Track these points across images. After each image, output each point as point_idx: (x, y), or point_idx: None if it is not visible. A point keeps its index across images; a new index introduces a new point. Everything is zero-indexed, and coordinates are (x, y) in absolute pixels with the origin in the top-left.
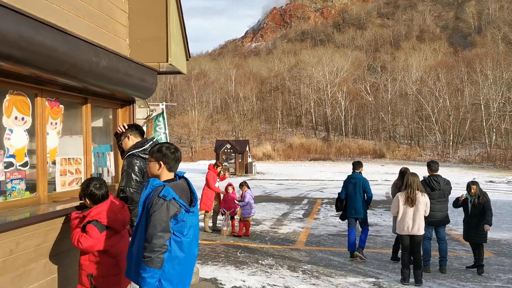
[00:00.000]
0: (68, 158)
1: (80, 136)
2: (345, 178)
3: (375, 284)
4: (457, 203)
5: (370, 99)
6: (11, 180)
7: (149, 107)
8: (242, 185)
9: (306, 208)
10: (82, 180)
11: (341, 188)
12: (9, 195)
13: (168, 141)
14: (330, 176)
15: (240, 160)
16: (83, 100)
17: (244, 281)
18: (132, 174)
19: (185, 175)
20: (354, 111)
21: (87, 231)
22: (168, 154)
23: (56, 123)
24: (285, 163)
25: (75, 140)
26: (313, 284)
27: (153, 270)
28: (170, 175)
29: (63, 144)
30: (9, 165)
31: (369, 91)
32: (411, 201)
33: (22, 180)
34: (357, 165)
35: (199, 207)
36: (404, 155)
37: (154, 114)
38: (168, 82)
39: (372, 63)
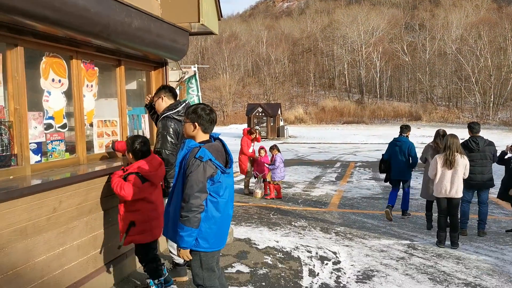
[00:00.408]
0: (104, 120)
1: (115, 99)
2: (379, 141)
3: (409, 247)
4: (502, 158)
5: (407, 60)
6: (51, 141)
7: (181, 70)
8: (273, 148)
9: (339, 171)
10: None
11: (385, 151)
12: (50, 156)
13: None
14: (364, 139)
15: (272, 124)
16: (117, 62)
17: (277, 242)
18: (168, 136)
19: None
20: (389, 72)
21: (129, 180)
22: (203, 115)
23: (91, 86)
24: (317, 126)
25: (110, 102)
26: (346, 246)
27: (190, 229)
28: (205, 137)
29: (99, 107)
30: (48, 126)
31: (406, 51)
32: (449, 163)
33: (61, 142)
34: (405, 128)
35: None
36: (441, 117)
37: (187, 76)
38: (199, 45)
39: (409, 21)
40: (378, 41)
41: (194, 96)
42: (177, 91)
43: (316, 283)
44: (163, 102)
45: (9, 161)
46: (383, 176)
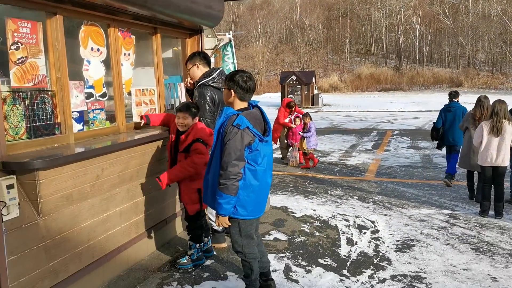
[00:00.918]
0: (142, 89)
1: (152, 68)
2: (417, 108)
3: (451, 216)
4: None
5: (448, 23)
6: (92, 110)
7: (216, 37)
8: (306, 116)
9: (376, 139)
10: (156, 111)
11: (436, 118)
12: (92, 125)
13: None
14: (401, 107)
15: (306, 92)
16: (153, 30)
17: (314, 210)
18: (205, 104)
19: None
20: (429, 37)
21: (197, 148)
22: (240, 82)
23: (129, 54)
24: (352, 94)
25: (147, 71)
26: (385, 215)
27: (228, 196)
28: (243, 104)
29: (136, 76)
30: (89, 95)
31: (447, 13)
32: (496, 130)
33: (102, 110)
34: (454, 94)
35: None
36: (484, 83)
37: (222, 43)
38: (231, 13)
39: None
40: (418, 3)
41: (229, 63)
42: (212, 59)
43: (354, 252)
44: (198, 70)
45: (53, 130)
46: (422, 144)
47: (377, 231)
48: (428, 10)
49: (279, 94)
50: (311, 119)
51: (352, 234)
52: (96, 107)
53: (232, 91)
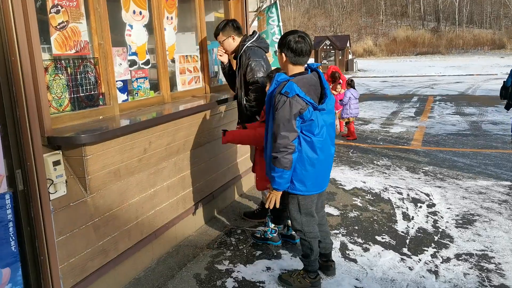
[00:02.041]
0: (186, 56)
1: (193, 33)
2: (458, 72)
3: (511, 188)
4: None
5: None
6: (136, 79)
7: None
8: (346, 82)
9: (417, 106)
10: (200, 79)
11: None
12: (136, 95)
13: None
14: (441, 71)
15: (340, 57)
16: None
17: (364, 183)
18: (259, 65)
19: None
20: None
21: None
22: (291, 43)
23: (171, 18)
24: (388, 59)
25: (188, 37)
26: (439, 187)
27: (281, 170)
28: (298, 69)
29: (178, 41)
30: (132, 63)
31: None
32: None
33: (146, 79)
34: None
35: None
36: None
37: (265, 5)
38: None
39: None
40: None
41: (274, 27)
42: (255, 22)
43: (412, 228)
44: (234, 42)
45: (97, 101)
46: (468, 110)
47: (433, 204)
48: None
49: (312, 60)
50: (350, 86)
51: (407, 208)
52: (140, 76)
53: (283, 54)
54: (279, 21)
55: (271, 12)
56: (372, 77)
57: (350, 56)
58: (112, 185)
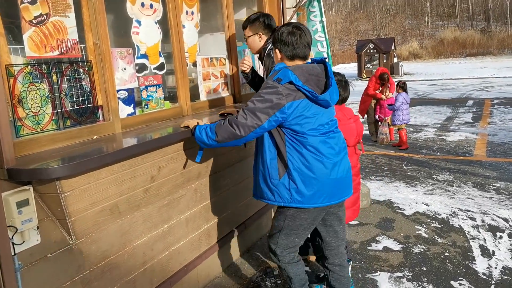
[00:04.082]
0: (211, 58)
1: (222, 33)
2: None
3: None
4: None
5: None
6: (146, 87)
7: None
8: (397, 85)
9: (474, 110)
10: (229, 85)
11: None
12: (146, 106)
13: (321, 29)
14: (494, 72)
15: (384, 61)
16: None
17: (427, 205)
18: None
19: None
20: None
21: None
22: (284, 36)
23: (192, 13)
24: (435, 61)
25: (216, 37)
26: None
27: (211, 138)
28: (297, 64)
29: (204, 43)
30: (141, 67)
31: None
32: None
33: (159, 87)
34: None
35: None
36: None
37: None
38: None
39: None
40: None
41: (316, 23)
42: (294, 18)
43: (495, 268)
44: (261, 40)
45: (91, 116)
46: None
47: None
48: None
49: (355, 64)
50: (403, 90)
51: (484, 239)
52: (151, 83)
53: (277, 50)
54: (321, 16)
55: (312, 7)
56: (420, 80)
57: (395, 60)
58: (108, 225)
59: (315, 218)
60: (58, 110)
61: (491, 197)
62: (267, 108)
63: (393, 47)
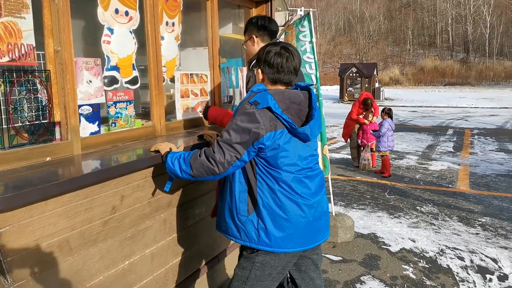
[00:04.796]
0: (191, 74)
1: (205, 48)
2: (491, 105)
3: None
4: None
5: None
6: (115, 103)
7: (288, 10)
8: (383, 111)
9: (454, 139)
10: (209, 104)
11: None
12: (113, 125)
13: (310, 49)
14: (473, 103)
15: (366, 85)
16: None
17: (414, 241)
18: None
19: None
20: (501, 28)
21: None
22: (270, 56)
23: (173, 24)
24: (415, 88)
25: (199, 52)
26: (505, 248)
27: (178, 170)
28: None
29: (186, 58)
30: (111, 81)
31: None
32: None
33: (130, 103)
34: None
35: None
36: None
37: (295, 18)
38: (288, 3)
39: None
40: None
41: (306, 43)
42: (283, 37)
43: None
44: (256, 45)
45: (45, 134)
46: None
47: (505, 276)
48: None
49: (337, 87)
50: (389, 116)
51: (474, 282)
52: (121, 99)
53: (260, 70)
54: (311, 37)
55: (302, 26)
56: (400, 106)
57: (377, 84)
58: (56, 263)
59: (285, 266)
60: (4, 126)
61: (477, 234)
62: (245, 138)
63: (375, 72)
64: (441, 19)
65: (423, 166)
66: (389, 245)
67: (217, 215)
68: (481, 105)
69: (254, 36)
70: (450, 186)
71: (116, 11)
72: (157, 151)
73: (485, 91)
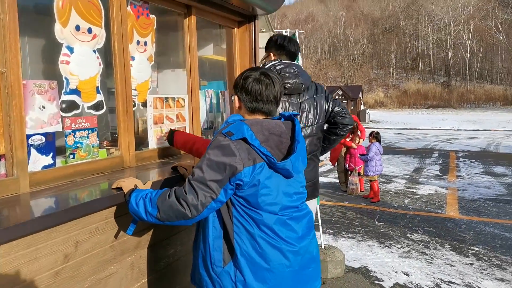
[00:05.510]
0: (166, 98)
1: (184, 70)
2: (473, 127)
3: None
4: None
5: (501, 38)
6: (74, 132)
7: (273, 31)
8: (370, 135)
9: (440, 162)
10: (188, 131)
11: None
12: (71, 156)
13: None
14: (455, 125)
15: (352, 108)
16: (185, 10)
17: (407, 275)
18: None
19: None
20: (481, 52)
21: None
22: (247, 83)
23: (145, 43)
24: (399, 110)
25: (178, 75)
26: (501, 280)
27: (143, 213)
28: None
29: (163, 80)
30: (70, 106)
31: (500, 29)
32: None
33: (92, 131)
34: None
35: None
36: None
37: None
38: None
39: None
40: (469, 18)
41: None
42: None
43: None
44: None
45: None
46: (498, 170)
47: None
48: (479, 25)
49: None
50: (377, 140)
51: None
52: (82, 126)
53: (236, 98)
54: (297, 59)
55: None
56: (385, 128)
57: (362, 107)
58: None
59: None
60: None
61: (471, 264)
62: (220, 175)
63: (360, 95)
64: (423, 44)
65: (411, 190)
66: (382, 280)
67: (192, 265)
68: (464, 127)
69: (272, 54)
70: (439, 211)
71: (77, 28)
72: (120, 188)
73: (467, 114)
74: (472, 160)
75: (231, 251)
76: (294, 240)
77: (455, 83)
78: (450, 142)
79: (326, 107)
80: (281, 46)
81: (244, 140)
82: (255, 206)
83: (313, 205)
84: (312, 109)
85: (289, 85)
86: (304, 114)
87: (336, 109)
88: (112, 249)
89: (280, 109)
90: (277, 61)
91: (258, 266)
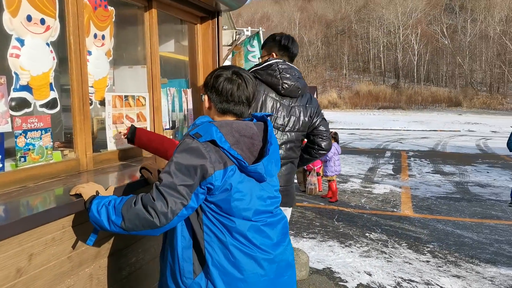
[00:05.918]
0: (125, 97)
1: (144, 67)
2: (422, 127)
3: None
4: None
5: (446, 43)
6: (25, 132)
7: (235, 29)
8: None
9: (393, 162)
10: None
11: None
12: (22, 159)
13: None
14: (405, 125)
15: None
16: (145, 2)
17: (370, 275)
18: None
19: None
20: (428, 56)
21: None
22: (218, 82)
23: (103, 37)
24: (352, 111)
25: (137, 72)
26: (457, 277)
27: (105, 220)
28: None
29: (120, 77)
30: (21, 104)
31: (445, 33)
32: None
33: (46, 132)
34: None
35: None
36: (483, 103)
37: (244, 37)
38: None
39: (449, 2)
40: (417, 23)
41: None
42: (228, 60)
43: None
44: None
45: None
46: (447, 169)
47: None
48: (426, 29)
49: None
50: (335, 140)
51: None
52: (34, 126)
53: (206, 97)
54: None
55: (251, 46)
56: (339, 128)
57: None
58: None
59: None
60: None
61: (428, 262)
62: (190, 179)
63: (315, 95)
64: (374, 46)
65: (367, 189)
66: (346, 281)
67: (159, 278)
68: (413, 128)
69: (274, 54)
70: (395, 210)
71: (29, 18)
72: (79, 195)
73: (415, 115)
74: (422, 159)
75: (201, 262)
76: (269, 247)
77: (404, 85)
78: (401, 142)
79: (314, 120)
80: (286, 47)
81: (213, 142)
82: (228, 212)
83: (287, 213)
84: (301, 116)
85: (286, 85)
86: (292, 119)
87: (321, 128)
88: (69, 260)
89: (269, 107)
90: (281, 60)
91: (231, 276)
